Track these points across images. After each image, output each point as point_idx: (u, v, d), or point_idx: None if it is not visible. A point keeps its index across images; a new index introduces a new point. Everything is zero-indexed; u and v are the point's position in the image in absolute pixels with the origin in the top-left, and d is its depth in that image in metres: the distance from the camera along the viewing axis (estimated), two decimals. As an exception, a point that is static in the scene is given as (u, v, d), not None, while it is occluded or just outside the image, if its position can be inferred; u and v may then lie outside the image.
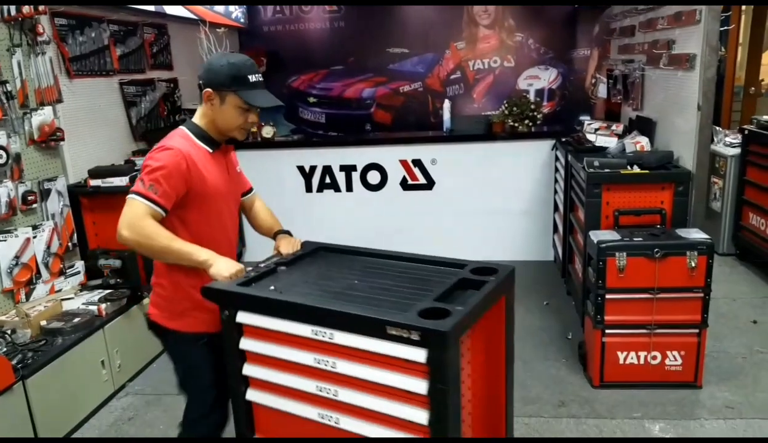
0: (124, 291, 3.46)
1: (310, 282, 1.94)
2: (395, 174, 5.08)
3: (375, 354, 1.53)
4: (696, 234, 3.02)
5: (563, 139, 4.59)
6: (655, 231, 3.11)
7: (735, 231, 4.86)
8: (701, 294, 2.96)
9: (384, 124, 5.91)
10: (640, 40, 4.27)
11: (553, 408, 3.00)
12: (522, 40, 5.60)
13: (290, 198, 5.02)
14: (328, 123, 5.99)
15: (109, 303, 3.32)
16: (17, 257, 3.19)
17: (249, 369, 1.87)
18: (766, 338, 3.58)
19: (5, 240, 3.15)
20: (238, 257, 2.24)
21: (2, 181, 3.15)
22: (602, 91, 5.28)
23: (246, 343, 1.85)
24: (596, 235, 3.12)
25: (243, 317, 1.83)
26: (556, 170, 4.77)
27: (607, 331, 3.07)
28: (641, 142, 3.77)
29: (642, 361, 3.08)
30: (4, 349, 2.85)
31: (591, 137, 4.31)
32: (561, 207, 4.52)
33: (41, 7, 3.29)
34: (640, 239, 3.02)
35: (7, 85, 3.19)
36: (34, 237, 3.29)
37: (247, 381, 1.90)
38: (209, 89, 2.00)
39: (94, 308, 3.28)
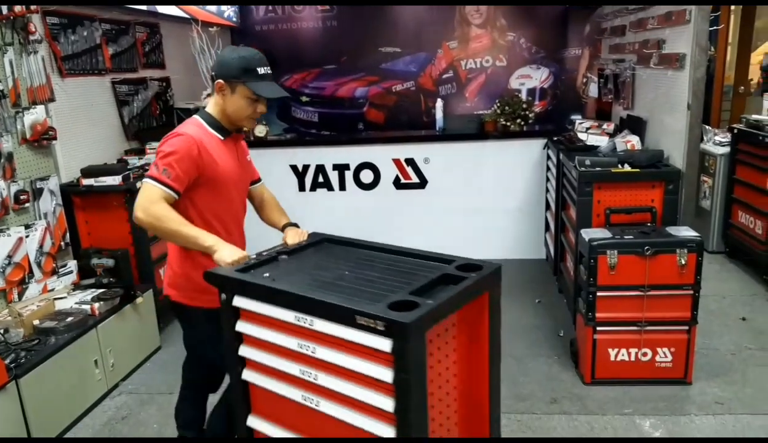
0: (117, 291, 3.46)
1: (304, 271, 2.00)
2: (388, 173, 5.10)
3: (348, 342, 1.61)
4: (686, 232, 3.06)
5: (555, 138, 4.62)
6: (646, 229, 3.14)
7: (724, 230, 4.91)
8: (691, 292, 3.00)
9: (377, 123, 5.92)
10: (631, 40, 4.31)
11: (545, 404, 3.03)
12: (514, 39, 5.62)
13: (283, 197, 4.89)
14: (321, 122, 5.99)
15: (102, 303, 3.32)
16: (9, 256, 3.18)
17: (244, 351, 1.96)
18: (754, 335, 3.63)
19: (-3, 240, 3.13)
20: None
21: (-6, 180, 3.15)
22: (593, 90, 5.32)
23: (241, 326, 1.94)
24: (588, 233, 3.15)
25: (238, 301, 1.91)
26: (548, 169, 4.81)
27: (599, 328, 3.10)
28: (632, 141, 3.80)
29: (633, 358, 3.11)
30: (-3, 349, 2.85)
31: (582, 136, 4.34)
32: (553, 205, 4.55)
33: (33, 6, 3.28)
34: (631, 237, 3.05)
35: (-1, 83, 3.19)
36: (27, 236, 3.28)
37: (244, 362, 1.98)
38: (221, 80, 2.14)
39: (87, 307, 3.27)
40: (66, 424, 2.99)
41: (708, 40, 3.31)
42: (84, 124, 3.96)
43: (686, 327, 3.05)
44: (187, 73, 5.21)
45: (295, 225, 2.40)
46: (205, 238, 2.05)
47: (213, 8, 5.29)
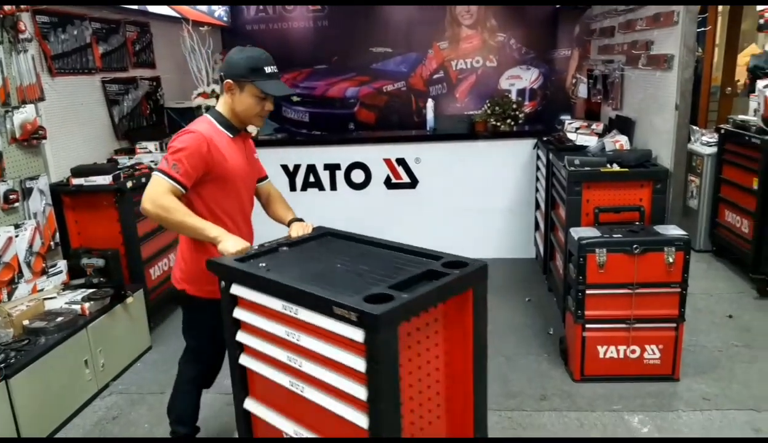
0: (108, 291, 3.45)
1: (299, 263, 2.07)
2: (379, 173, 5.12)
3: (327, 332, 1.68)
4: (673, 231, 3.09)
5: (544, 138, 4.66)
6: (634, 228, 3.18)
7: (711, 229, 4.96)
8: (678, 290, 3.03)
9: (368, 123, 5.93)
10: (620, 41, 4.35)
11: (535, 401, 3.05)
12: (504, 40, 5.65)
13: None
14: (312, 122, 6.00)
15: (92, 303, 3.30)
16: (-1, 256, 3.17)
17: (241, 336, 2.05)
18: (741, 332, 3.68)
19: (-14, 240, 3.12)
20: None
21: (-17, 179, 3.14)
22: (582, 90, 5.36)
23: (238, 312, 2.03)
24: (577, 232, 3.18)
25: (235, 289, 1.99)
26: (538, 169, 4.84)
27: (588, 326, 3.14)
28: (620, 141, 3.84)
29: (621, 355, 3.15)
30: (-14, 349, 2.83)
31: (572, 136, 4.38)
32: (542, 205, 4.58)
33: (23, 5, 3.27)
34: (620, 236, 3.08)
35: (-12, 82, 3.17)
36: (16, 236, 3.27)
37: (241, 347, 2.07)
38: (230, 80, 2.23)
39: (77, 307, 3.26)
40: (56, 424, 2.98)
41: (695, 42, 3.35)
42: (74, 123, 3.94)
43: (674, 325, 3.08)
44: (178, 73, 5.20)
45: (301, 219, 2.48)
46: (210, 229, 2.15)
47: (204, 7, 5.28)
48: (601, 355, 3.16)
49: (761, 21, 4.83)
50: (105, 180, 3.62)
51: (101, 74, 4.28)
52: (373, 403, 1.59)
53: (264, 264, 2.00)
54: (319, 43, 5.84)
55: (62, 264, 3.58)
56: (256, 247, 2.18)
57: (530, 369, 3.37)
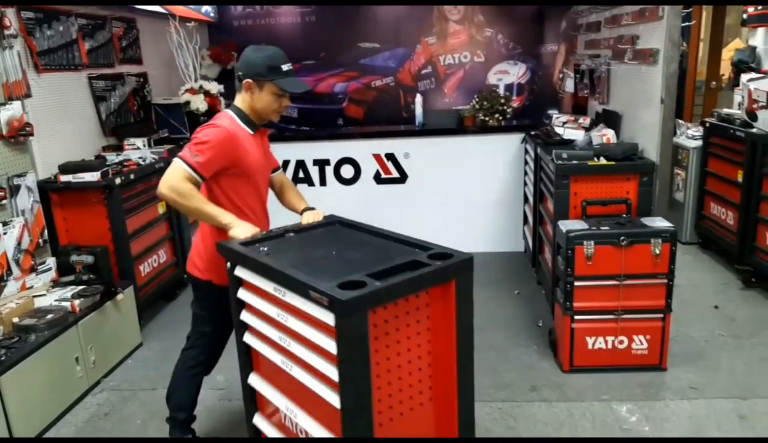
0: (98, 287, 3.43)
1: (300, 248, 2.16)
2: (369, 168, 5.13)
3: (306, 314, 1.76)
4: (660, 223, 3.13)
5: (532, 133, 4.69)
6: (621, 221, 3.22)
7: (697, 221, 5.02)
8: (665, 281, 3.08)
9: (356, 118, 5.94)
10: (606, 36, 4.39)
11: (525, 392, 3.09)
12: (491, 35, 5.68)
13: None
14: (301, 117, 6.00)
15: (82, 299, 3.29)
16: (-13, 254, 3.14)
17: (244, 316, 2.16)
18: (726, 322, 3.73)
19: (-26, 237, 3.10)
20: None
21: (-30, 176, 3.11)
22: (569, 85, 5.40)
23: (241, 293, 2.14)
24: (565, 225, 3.21)
25: (239, 271, 2.10)
26: (526, 163, 4.87)
27: (576, 317, 3.17)
28: (607, 135, 3.88)
29: (609, 346, 3.19)
30: (-24, 347, 2.81)
31: (559, 130, 4.41)
32: (531, 198, 4.61)
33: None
34: (607, 228, 3.12)
35: (-26, 79, 3.14)
36: (4, 233, 3.24)
37: (246, 326, 2.18)
38: (249, 80, 2.30)
39: (67, 304, 3.24)
40: (48, 422, 2.96)
41: (680, 36, 3.40)
42: (61, 119, 3.91)
43: (661, 316, 3.13)
44: (165, 69, 5.17)
45: (312, 208, 2.59)
46: (223, 216, 2.24)
47: (190, 3, 5.26)
48: (590, 346, 3.19)
49: (745, 16, 4.88)
50: (93, 176, 3.60)
51: (88, 70, 4.25)
52: (344, 384, 1.66)
53: (265, 249, 2.08)
54: (307, 39, 5.84)
55: (51, 262, 3.55)
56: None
57: (520, 360, 3.40)
